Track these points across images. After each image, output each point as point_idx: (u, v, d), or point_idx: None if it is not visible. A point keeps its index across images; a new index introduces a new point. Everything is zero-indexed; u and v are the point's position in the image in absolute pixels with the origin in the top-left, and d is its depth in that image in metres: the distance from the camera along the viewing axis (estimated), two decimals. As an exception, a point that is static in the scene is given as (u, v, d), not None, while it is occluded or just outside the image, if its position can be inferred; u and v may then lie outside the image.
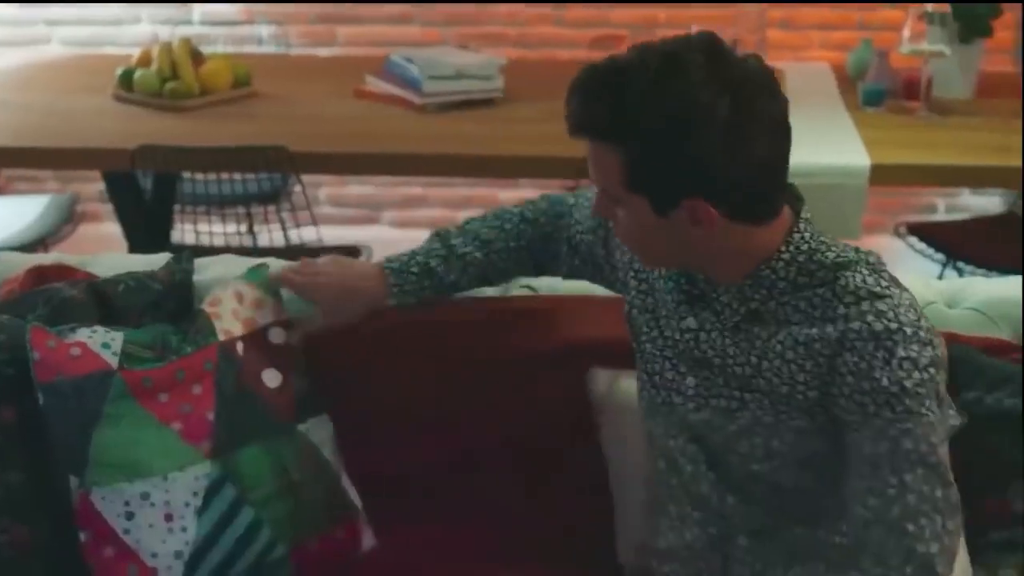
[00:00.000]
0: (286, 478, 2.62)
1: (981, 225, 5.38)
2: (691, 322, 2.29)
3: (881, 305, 2.11)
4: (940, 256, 4.88)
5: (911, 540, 2.06)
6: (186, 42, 4.89)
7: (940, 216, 6.16)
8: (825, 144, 4.35)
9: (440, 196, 6.30)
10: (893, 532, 2.07)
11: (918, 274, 3.26)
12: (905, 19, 4.73)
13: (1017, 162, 4.31)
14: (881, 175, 4.21)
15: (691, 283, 2.30)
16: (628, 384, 2.64)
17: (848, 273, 2.16)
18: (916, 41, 4.73)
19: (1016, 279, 2.91)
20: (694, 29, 4.85)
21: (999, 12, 4.91)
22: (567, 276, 2.71)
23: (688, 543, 2.37)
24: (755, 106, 2.04)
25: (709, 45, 2.06)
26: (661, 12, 5.96)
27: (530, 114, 4.74)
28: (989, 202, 5.97)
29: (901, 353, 2.08)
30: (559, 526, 2.72)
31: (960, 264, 4.89)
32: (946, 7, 4.84)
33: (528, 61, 5.72)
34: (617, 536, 2.73)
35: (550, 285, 2.88)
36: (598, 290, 2.71)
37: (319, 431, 2.70)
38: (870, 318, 2.10)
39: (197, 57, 4.88)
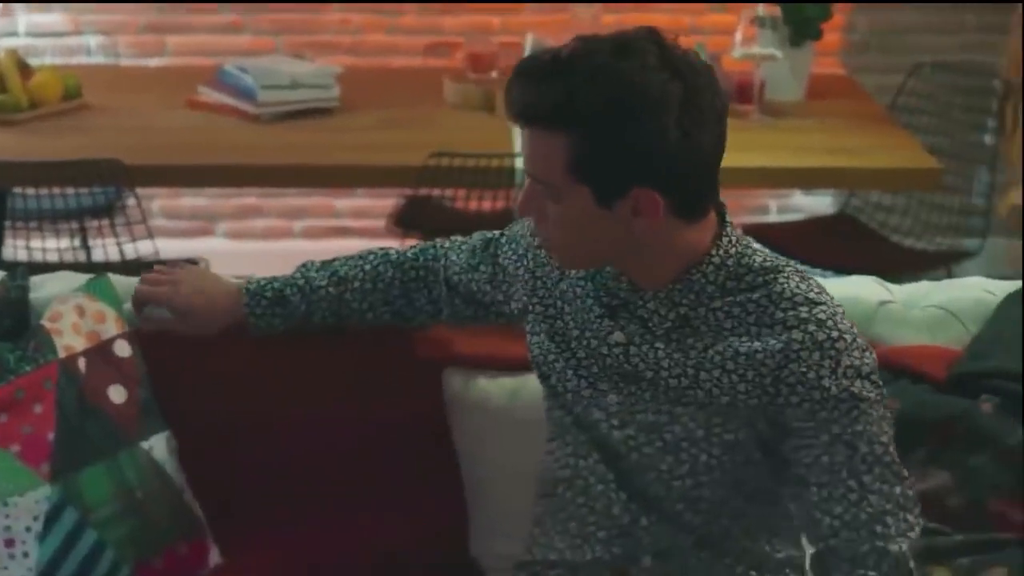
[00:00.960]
0: (129, 497, 2.58)
1: (814, 226, 5.46)
2: (619, 336, 2.20)
3: (820, 313, 2.10)
4: (775, 257, 4.94)
5: (882, 540, 2.08)
6: (13, 54, 4.78)
7: (772, 217, 6.24)
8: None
9: (276, 206, 6.24)
10: (863, 535, 2.09)
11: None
12: (737, 23, 4.79)
13: (847, 163, 4.39)
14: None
15: (610, 294, 2.22)
16: (483, 384, 2.68)
17: (781, 278, 2.14)
18: (748, 45, 4.80)
19: (852, 279, 2.96)
20: (529, 36, 4.88)
21: (829, 15, 4.99)
22: (450, 319, 2.62)
23: (587, 561, 2.32)
24: (703, 97, 2.01)
25: (655, 35, 2.04)
26: (495, 19, 5.96)
27: (366, 123, 4.72)
28: (820, 202, 6.06)
29: (846, 361, 2.08)
30: (412, 528, 2.70)
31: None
32: (777, 11, 4.91)
33: (362, 69, 5.68)
34: (470, 533, 2.76)
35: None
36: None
37: (162, 447, 2.65)
38: (812, 327, 2.09)
39: (25, 69, 4.78)
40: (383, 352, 2.74)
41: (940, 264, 4.95)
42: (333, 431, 2.74)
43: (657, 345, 2.18)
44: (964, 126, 5.14)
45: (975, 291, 2.92)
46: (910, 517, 2.11)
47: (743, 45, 4.77)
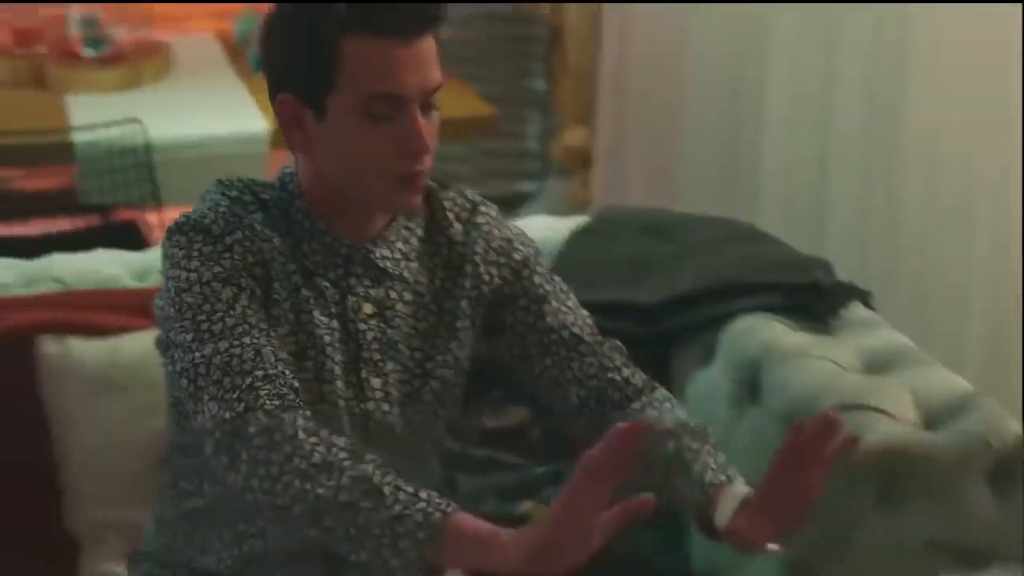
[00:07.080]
0: None
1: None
2: (368, 307, 2.00)
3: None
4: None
5: None
6: None
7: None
8: (221, 114, 4.35)
9: None
10: None
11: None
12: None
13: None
14: (281, 138, 4.29)
15: (348, 264, 1.99)
16: (78, 349, 2.60)
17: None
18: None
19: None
20: (74, 10, 4.74)
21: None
22: None
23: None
24: None
25: None
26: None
27: None
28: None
29: None
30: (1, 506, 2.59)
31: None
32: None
33: None
34: (65, 505, 2.65)
35: None
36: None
37: None
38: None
39: None
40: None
41: (503, 208, 5.05)
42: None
43: (405, 294, 2.03)
44: (514, 73, 5.27)
45: (541, 230, 2.94)
46: None
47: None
